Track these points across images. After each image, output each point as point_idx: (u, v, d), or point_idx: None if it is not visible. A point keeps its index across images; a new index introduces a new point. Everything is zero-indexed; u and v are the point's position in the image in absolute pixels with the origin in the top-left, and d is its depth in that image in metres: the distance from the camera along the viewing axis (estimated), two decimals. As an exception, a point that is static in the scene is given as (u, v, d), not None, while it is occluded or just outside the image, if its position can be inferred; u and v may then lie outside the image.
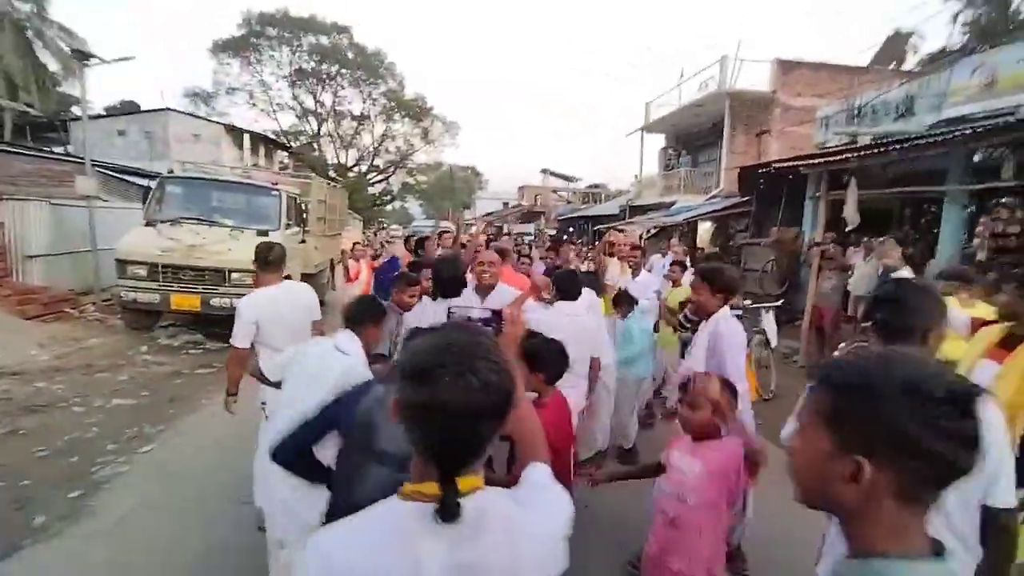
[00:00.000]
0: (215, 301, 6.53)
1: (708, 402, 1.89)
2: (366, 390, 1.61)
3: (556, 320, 2.82)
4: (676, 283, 5.21)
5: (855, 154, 6.30)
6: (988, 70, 6.94)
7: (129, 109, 23.71)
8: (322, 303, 4.01)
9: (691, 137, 18.10)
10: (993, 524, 1.29)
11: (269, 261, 2.97)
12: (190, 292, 6.54)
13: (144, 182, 11.80)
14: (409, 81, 31.11)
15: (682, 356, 2.90)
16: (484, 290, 2.76)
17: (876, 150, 5.91)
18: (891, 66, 16.00)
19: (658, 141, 20.46)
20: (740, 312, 5.23)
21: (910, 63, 16.93)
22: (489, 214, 41.33)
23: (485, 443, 0.82)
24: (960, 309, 2.84)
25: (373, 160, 31.50)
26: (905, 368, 0.70)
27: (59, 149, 16.52)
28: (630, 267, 4.91)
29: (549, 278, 3.25)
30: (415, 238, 7.35)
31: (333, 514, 1.53)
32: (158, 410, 4.67)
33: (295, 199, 8.32)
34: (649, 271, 5.83)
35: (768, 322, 5.63)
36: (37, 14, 17.58)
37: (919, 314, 1.36)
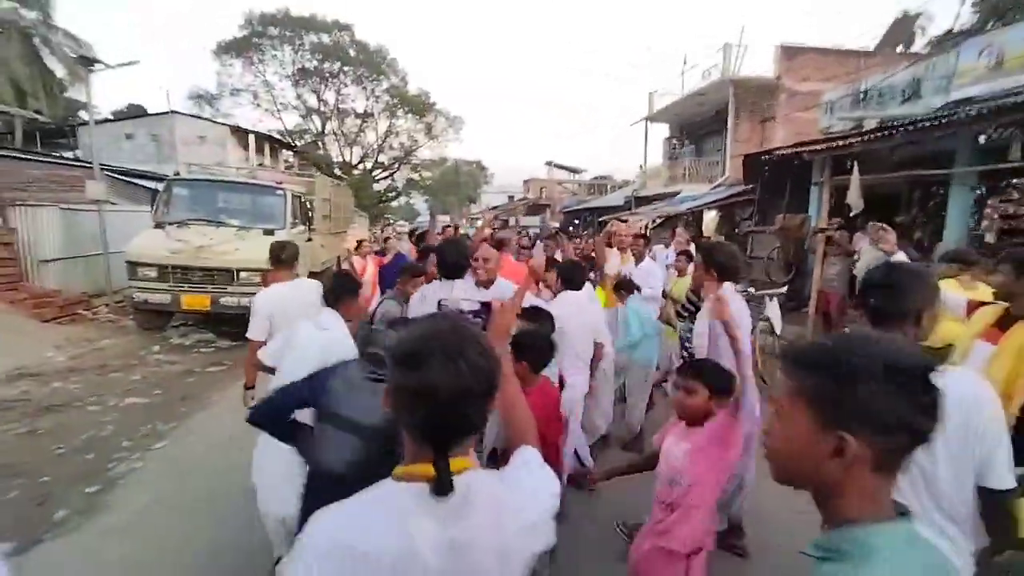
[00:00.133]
0: (224, 300, 6.63)
1: (703, 388, 1.91)
2: (341, 367, 1.68)
3: (562, 310, 2.89)
4: (681, 273, 5.21)
5: (858, 139, 6.23)
6: (996, 50, 6.81)
7: (136, 113, 23.97)
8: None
9: (695, 126, 17.94)
10: (992, 507, 1.27)
11: (282, 259, 3.22)
12: (200, 292, 6.65)
13: (152, 185, 11.95)
14: (412, 79, 31.13)
15: (682, 348, 2.93)
16: (483, 284, 2.79)
17: (880, 134, 5.84)
18: (899, 49, 15.74)
19: (662, 131, 20.33)
20: (746, 297, 5.23)
21: (918, 45, 16.66)
22: (495, 208, 41.29)
23: (474, 422, 0.87)
24: (960, 291, 2.82)
25: (378, 157, 31.55)
26: (877, 346, 0.75)
27: (68, 154, 16.76)
28: (633, 256, 4.94)
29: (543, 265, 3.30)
30: (417, 232, 7.39)
31: (312, 483, 1.60)
32: (170, 408, 4.78)
33: (300, 198, 8.39)
34: (652, 260, 5.83)
35: (773, 309, 5.62)
36: (43, 21, 17.75)
37: (911, 297, 1.35)
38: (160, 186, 8.30)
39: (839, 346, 0.77)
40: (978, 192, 6.54)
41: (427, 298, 2.84)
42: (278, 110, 28.62)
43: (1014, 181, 5.98)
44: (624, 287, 4.11)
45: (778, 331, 5.61)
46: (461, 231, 7.39)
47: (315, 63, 27.77)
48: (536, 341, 2.12)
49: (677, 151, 18.83)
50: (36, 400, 4.84)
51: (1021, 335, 2.03)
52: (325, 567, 0.79)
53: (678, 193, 15.24)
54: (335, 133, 30.17)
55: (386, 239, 7.52)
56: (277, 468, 2.02)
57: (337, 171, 27.31)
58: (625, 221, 8.58)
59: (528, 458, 1.02)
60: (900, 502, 0.76)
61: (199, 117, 22.69)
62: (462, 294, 2.71)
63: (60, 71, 18.18)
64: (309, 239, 8.38)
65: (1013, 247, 4.84)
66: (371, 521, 0.82)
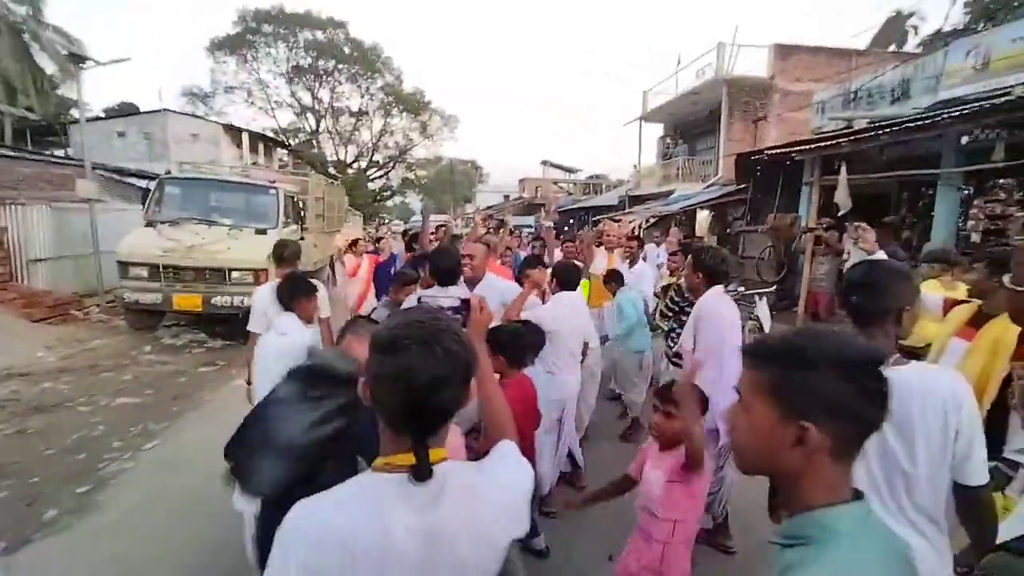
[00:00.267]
0: (216, 300, 6.61)
1: (683, 412, 1.83)
2: (276, 389, 1.54)
3: (558, 311, 2.95)
4: (674, 272, 5.26)
5: (845, 139, 6.29)
6: (983, 51, 6.88)
7: (127, 110, 23.77)
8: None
9: (689, 125, 18.01)
10: (970, 503, 1.29)
11: (284, 257, 3.45)
12: (191, 292, 6.63)
13: (144, 183, 11.88)
14: (408, 77, 31.07)
15: (667, 345, 2.99)
16: (471, 281, 2.81)
17: (866, 135, 5.90)
18: (891, 48, 15.85)
19: (656, 130, 20.38)
20: (737, 297, 5.28)
21: (911, 45, 16.78)
22: (490, 207, 41.27)
23: (450, 409, 0.89)
24: (941, 291, 2.87)
25: (372, 156, 31.48)
26: (831, 339, 0.80)
27: (59, 152, 16.63)
28: (627, 257, 4.99)
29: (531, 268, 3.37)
30: (410, 233, 7.40)
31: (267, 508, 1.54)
32: (162, 408, 4.78)
33: (293, 197, 8.38)
34: (644, 260, 5.88)
35: (762, 308, 5.69)
36: (33, 16, 17.57)
37: (892, 296, 1.36)
38: (152, 185, 8.27)
39: (797, 340, 0.82)
40: (965, 192, 6.62)
41: (436, 296, 2.86)
42: (272, 108, 28.55)
43: (1000, 181, 6.07)
44: (614, 279, 4.19)
45: (767, 330, 5.68)
46: (455, 231, 7.37)
47: (309, 61, 27.68)
48: (513, 337, 2.16)
49: (671, 150, 18.89)
50: (26, 400, 4.83)
51: (994, 332, 2.08)
52: (302, 555, 0.81)
53: (672, 192, 15.29)
54: (330, 131, 30.09)
55: (379, 239, 7.53)
56: None
57: (332, 170, 27.22)
58: (618, 221, 8.63)
59: (506, 452, 1.05)
60: (856, 488, 0.80)
61: (192, 115, 22.56)
62: (456, 294, 2.73)
63: (51, 68, 18.01)
64: (302, 238, 8.35)
65: (996, 246, 4.93)
66: (349, 510, 0.85)
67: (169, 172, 8.55)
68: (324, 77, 28.18)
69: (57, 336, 6.88)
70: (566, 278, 3.28)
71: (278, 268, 3.49)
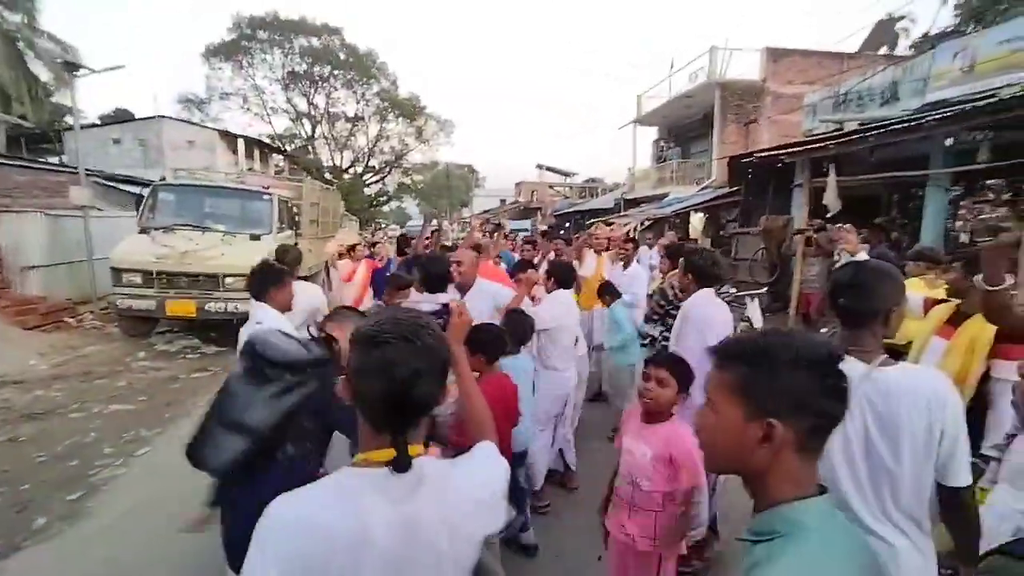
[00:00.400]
0: (210, 306, 6.61)
1: (674, 381, 1.89)
2: (234, 371, 1.64)
3: (556, 309, 3.00)
4: (665, 274, 5.29)
5: (833, 142, 6.36)
6: (969, 53, 6.97)
7: (123, 117, 23.77)
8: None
9: (683, 128, 18.12)
10: (953, 504, 1.28)
11: (285, 262, 3.56)
12: (185, 298, 6.62)
13: (138, 190, 11.85)
14: (405, 81, 31.27)
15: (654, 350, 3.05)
16: (461, 287, 2.84)
17: (852, 137, 5.97)
18: (882, 51, 15.99)
19: (651, 134, 20.49)
20: (730, 299, 5.29)
21: (902, 47, 16.93)
22: (486, 212, 41.35)
23: (428, 403, 0.93)
24: (924, 290, 2.91)
25: (368, 161, 31.53)
26: (795, 340, 0.83)
27: (54, 159, 16.63)
28: (621, 259, 5.02)
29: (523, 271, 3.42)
30: (401, 236, 7.43)
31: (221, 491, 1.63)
32: (155, 414, 4.77)
33: (287, 203, 8.40)
34: (638, 262, 5.91)
35: (753, 310, 5.69)
36: (27, 24, 17.59)
37: (880, 297, 1.35)
38: (146, 191, 8.28)
39: (761, 340, 0.85)
40: (953, 193, 6.68)
41: (417, 302, 2.89)
42: (268, 114, 28.54)
43: (989, 182, 6.13)
44: (608, 291, 4.19)
45: (759, 331, 5.70)
46: (447, 241, 7.37)
47: (305, 67, 27.72)
48: (489, 335, 2.20)
49: (665, 153, 19.00)
50: (18, 408, 4.82)
51: (971, 331, 2.13)
52: (282, 548, 0.83)
53: (666, 195, 15.38)
54: (325, 137, 30.12)
55: (374, 244, 7.55)
56: None
57: (328, 175, 27.27)
58: (611, 225, 8.67)
59: (484, 450, 1.08)
60: (821, 484, 0.82)
61: (188, 122, 22.57)
62: (445, 299, 2.76)
63: (45, 75, 18.00)
64: (296, 244, 8.37)
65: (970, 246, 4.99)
66: (327, 503, 0.87)
67: (163, 179, 8.55)
68: (319, 83, 28.24)
69: (50, 343, 6.87)
70: (563, 276, 3.35)
71: None
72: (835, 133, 7.33)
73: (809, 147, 7.15)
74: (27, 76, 17.41)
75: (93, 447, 4.07)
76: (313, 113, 29.13)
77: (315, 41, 27.45)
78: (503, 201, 44.57)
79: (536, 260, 5.00)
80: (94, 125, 21.05)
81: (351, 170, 31.15)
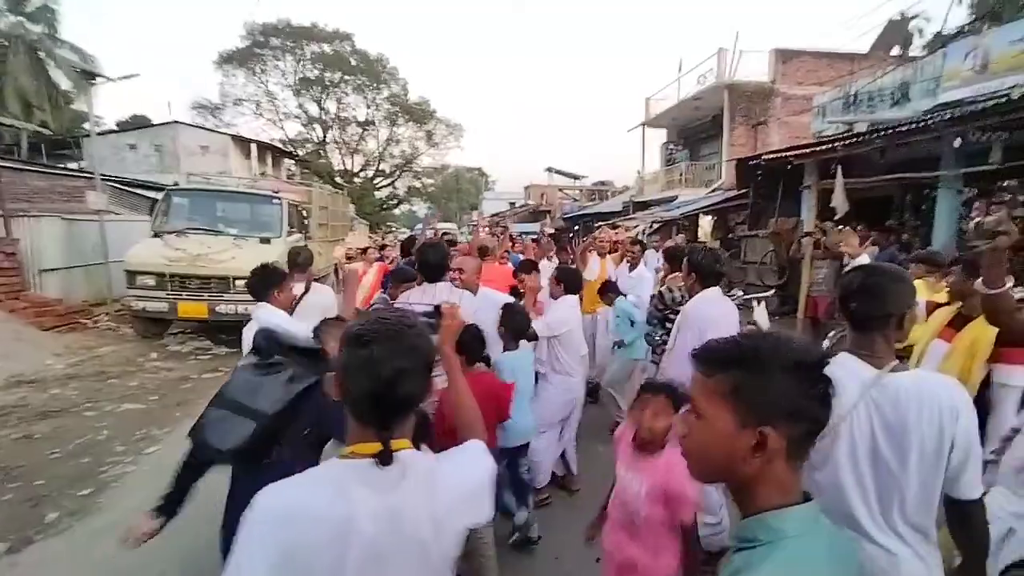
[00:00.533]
0: (221, 308, 6.72)
1: (671, 410, 1.77)
2: (243, 361, 1.77)
3: (566, 312, 3.04)
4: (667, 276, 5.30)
5: (840, 143, 6.30)
6: (981, 52, 6.88)
7: (139, 123, 24.29)
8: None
9: (692, 131, 18.05)
10: (962, 517, 1.24)
11: (298, 263, 3.63)
12: (197, 300, 6.74)
13: (153, 194, 12.12)
14: (414, 85, 31.53)
15: (652, 353, 3.05)
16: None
17: (861, 138, 5.91)
18: (895, 51, 15.78)
19: (660, 136, 20.43)
20: (739, 302, 5.28)
21: (916, 47, 16.69)
22: (496, 214, 41.46)
23: (412, 400, 0.97)
24: (922, 292, 2.88)
25: (379, 165, 31.88)
26: (783, 343, 0.80)
27: (73, 165, 16.99)
28: (628, 262, 5.05)
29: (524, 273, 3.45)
30: (408, 240, 7.50)
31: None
32: (166, 413, 4.87)
33: (297, 206, 8.51)
34: (644, 264, 5.92)
35: (760, 313, 5.68)
36: (48, 34, 18.09)
37: (892, 301, 1.30)
38: (161, 196, 8.45)
39: (748, 343, 0.81)
40: (966, 195, 6.58)
41: (411, 303, 2.92)
42: (280, 119, 29.05)
43: (1005, 184, 6.03)
44: (610, 290, 4.23)
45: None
46: (460, 238, 7.46)
47: (316, 72, 28.15)
48: (467, 335, 2.20)
49: (674, 156, 18.92)
50: (33, 406, 4.94)
51: (972, 334, 2.10)
52: (267, 535, 0.86)
53: (675, 198, 15.32)
54: (336, 142, 30.52)
55: (383, 246, 7.63)
56: None
57: (339, 179, 27.59)
58: (616, 228, 8.66)
59: (471, 447, 1.12)
60: (805, 491, 0.80)
61: (202, 127, 22.99)
62: (444, 297, 2.78)
63: (65, 83, 18.47)
64: (305, 246, 8.47)
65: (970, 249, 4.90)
66: (314, 492, 0.91)
67: (176, 184, 8.72)
68: (331, 88, 28.65)
69: (66, 344, 7.02)
70: (570, 281, 3.37)
71: (292, 273, 3.62)
72: (844, 134, 7.25)
73: (817, 149, 7.09)
74: (48, 84, 17.89)
75: (105, 445, 4.16)
76: (324, 118, 29.56)
77: (326, 47, 27.88)
78: (512, 204, 44.62)
79: (537, 258, 5.04)
80: (111, 131, 21.55)
81: (362, 174, 31.50)
